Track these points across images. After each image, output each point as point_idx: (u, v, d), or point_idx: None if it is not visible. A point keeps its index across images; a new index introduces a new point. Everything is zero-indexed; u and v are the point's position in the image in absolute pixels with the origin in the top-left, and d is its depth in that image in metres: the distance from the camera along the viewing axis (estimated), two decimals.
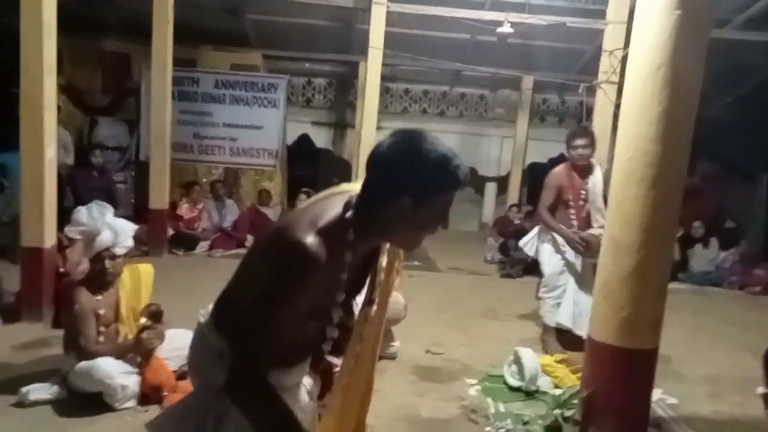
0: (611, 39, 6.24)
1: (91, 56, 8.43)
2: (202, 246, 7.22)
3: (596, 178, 4.13)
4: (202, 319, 1.45)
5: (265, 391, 1.27)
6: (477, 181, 11.31)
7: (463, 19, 6.80)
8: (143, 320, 3.11)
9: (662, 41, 2.40)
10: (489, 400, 3.37)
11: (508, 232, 7.90)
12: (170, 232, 7.02)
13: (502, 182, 10.83)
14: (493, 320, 5.04)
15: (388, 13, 6.48)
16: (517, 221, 8.30)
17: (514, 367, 3.64)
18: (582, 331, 4.02)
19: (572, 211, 4.12)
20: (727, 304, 6.36)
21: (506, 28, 6.52)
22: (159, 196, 6.65)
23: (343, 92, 10.44)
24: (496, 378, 3.66)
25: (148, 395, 2.98)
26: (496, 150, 10.81)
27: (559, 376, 3.59)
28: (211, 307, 1.46)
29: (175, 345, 3.07)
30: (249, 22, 8.59)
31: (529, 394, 3.47)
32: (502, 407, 3.29)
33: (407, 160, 1.24)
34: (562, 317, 4.17)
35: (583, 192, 4.12)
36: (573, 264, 4.16)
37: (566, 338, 4.24)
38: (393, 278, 1.58)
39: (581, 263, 4.13)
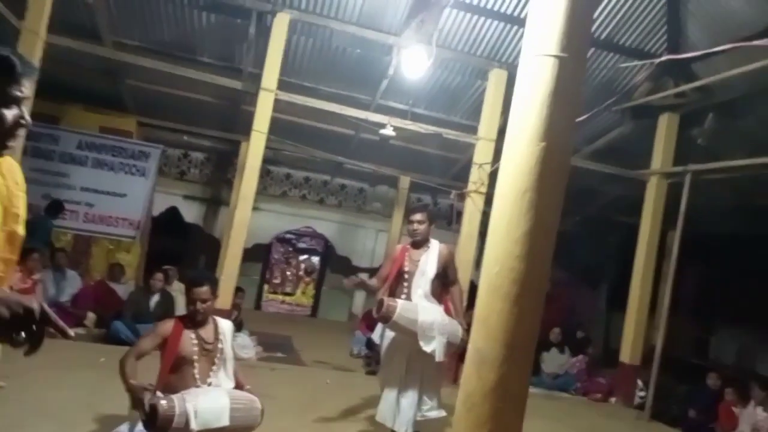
0: (481, 153, 6.80)
1: None
2: None
3: (429, 256, 4.13)
4: None
5: None
6: (349, 271, 11.32)
7: (349, 117, 7.04)
8: None
9: (528, 169, 2.57)
10: None
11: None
12: None
13: (375, 274, 10.89)
14: (356, 423, 4.81)
15: (276, 100, 6.52)
16: None
17: None
18: (401, 430, 3.96)
19: (405, 283, 4.14)
20: (574, 411, 6.71)
21: (388, 131, 6.85)
22: None
23: (221, 169, 10.17)
24: None
25: None
26: (371, 242, 11.00)
27: None
28: None
29: None
30: (127, 87, 8.19)
31: None
32: None
33: None
34: (380, 413, 4.08)
35: (416, 267, 4.13)
36: (402, 351, 4.06)
37: None
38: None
39: (410, 355, 4.02)
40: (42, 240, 7.17)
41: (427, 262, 4.13)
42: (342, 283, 11.50)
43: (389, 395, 4.07)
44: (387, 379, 4.15)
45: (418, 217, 4.22)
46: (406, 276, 4.16)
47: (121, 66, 7.47)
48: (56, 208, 7.56)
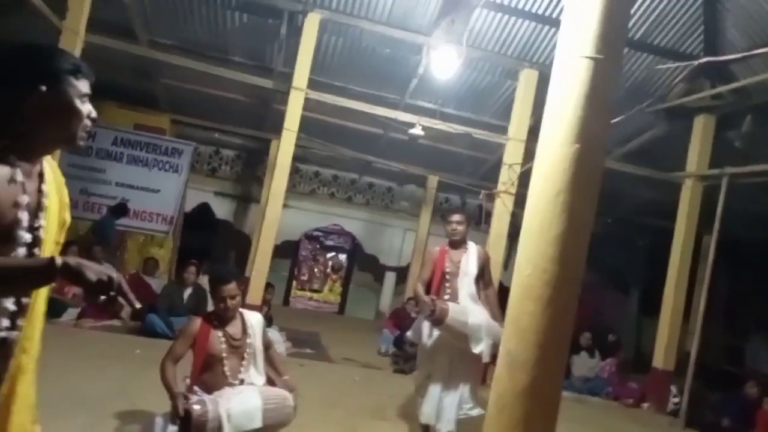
0: (511, 153, 6.73)
1: None
2: (70, 314, 6.45)
3: (469, 257, 4.16)
4: None
5: None
6: (377, 269, 11.37)
7: (379, 116, 7.06)
8: None
9: (562, 170, 2.55)
10: None
11: (404, 326, 7.83)
12: None
13: (402, 273, 10.94)
14: (382, 421, 4.82)
15: (306, 99, 6.58)
16: (413, 314, 8.27)
17: None
18: (444, 428, 3.97)
19: (448, 285, 4.14)
20: (605, 415, 6.60)
21: (417, 130, 6.84)
22: None
23: (252, 166, 10.30)
24: None
25: None
26: (398, 241, 11.00)
27: None
28: None
29: None
30: (161, 86, 8.37)
31: None
32: None
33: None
34: (424, 415, 4.07)
35: (457, 268, 4.14)
36: (446, 351, 4.05)
37: None
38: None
39: (454, 355, 4.04)
40: (112, 237, 7.86)
41: (468, 262, 4.14)
42: (371, 282, 11.57)
43: (433, 395, 4.06)
44: (431, 377, 4.14)
45: (457, 217, 4.22)
46: (448, 277, 4.16)
47: (155, 65, 7.64)
48: (121, 210, 8.01)
